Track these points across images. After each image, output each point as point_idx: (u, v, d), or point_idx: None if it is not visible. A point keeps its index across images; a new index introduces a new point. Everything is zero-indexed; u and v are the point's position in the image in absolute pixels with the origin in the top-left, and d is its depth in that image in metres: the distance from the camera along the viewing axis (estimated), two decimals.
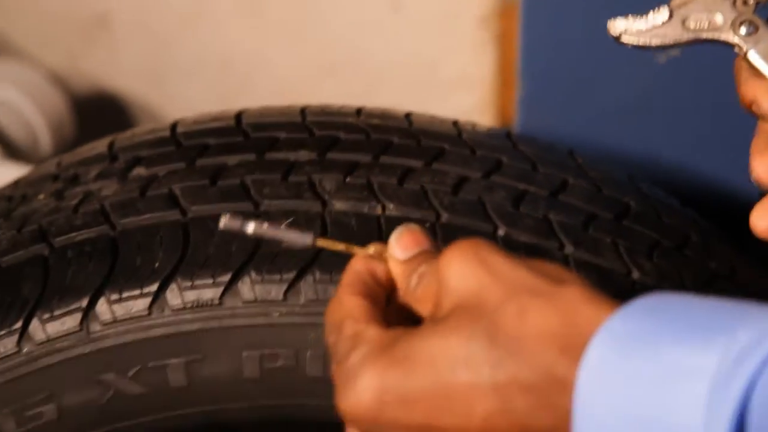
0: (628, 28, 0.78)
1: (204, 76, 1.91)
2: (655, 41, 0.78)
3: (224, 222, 0.70)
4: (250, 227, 0.70)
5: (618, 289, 0.88)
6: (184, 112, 1.11)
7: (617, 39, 0.79)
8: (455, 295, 0.65)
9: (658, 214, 0.97)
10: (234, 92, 1.89)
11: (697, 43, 0.78)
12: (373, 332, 0.65)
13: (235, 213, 0.71)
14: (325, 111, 1.02)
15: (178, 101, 1.94)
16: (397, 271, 0.70)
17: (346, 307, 0.68)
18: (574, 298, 0.61)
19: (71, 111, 1.85)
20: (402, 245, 0.70)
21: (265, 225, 0.70)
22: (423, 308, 0.68)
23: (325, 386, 0.88)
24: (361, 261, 0.70)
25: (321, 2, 1.80)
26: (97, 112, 1.96)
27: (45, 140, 1.79)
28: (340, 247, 0.72)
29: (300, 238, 0.71)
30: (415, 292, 0.69)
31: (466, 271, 0.65)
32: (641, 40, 0.78)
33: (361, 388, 0.63)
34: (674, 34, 0.78)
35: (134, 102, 1.98)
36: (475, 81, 1.73)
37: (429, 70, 1.77)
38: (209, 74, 1.91)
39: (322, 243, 0.72)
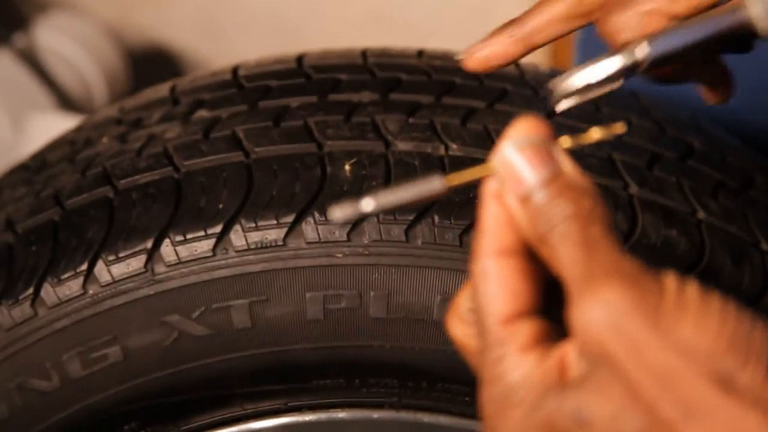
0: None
1: (255, 28, 1.91)
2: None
3: (338, 214, 0.60)
4: (369, 205, 0.59)
5: (683, 229, 0.87)
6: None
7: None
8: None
9: (722, 154, 0.96)
10: (284, 44, 1.89)
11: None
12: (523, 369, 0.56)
13: (342, 202, 0.60)
14: (386, 53, 1.01)
15: (229, 53, 1.94)
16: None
17: (493, 302, 0.58)
18: None
19: (125, 63, 1.86)
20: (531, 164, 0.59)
21: (382, 193, 0.60)
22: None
23: (388, 328, 0.89)
24: (495, 206, 0.59)
25: None
26: (150, 65, 1.97)
27: (100, 92, 1.79)
28: (471, 176, 0.60)
29: (430, 187, 0.60)
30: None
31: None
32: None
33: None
34: None
35: (186, 54, 1.98)
36: None
37: (478, 19, 1.76)
38: (260, 26, 1.91)
39: (455, 180, 0.60)
